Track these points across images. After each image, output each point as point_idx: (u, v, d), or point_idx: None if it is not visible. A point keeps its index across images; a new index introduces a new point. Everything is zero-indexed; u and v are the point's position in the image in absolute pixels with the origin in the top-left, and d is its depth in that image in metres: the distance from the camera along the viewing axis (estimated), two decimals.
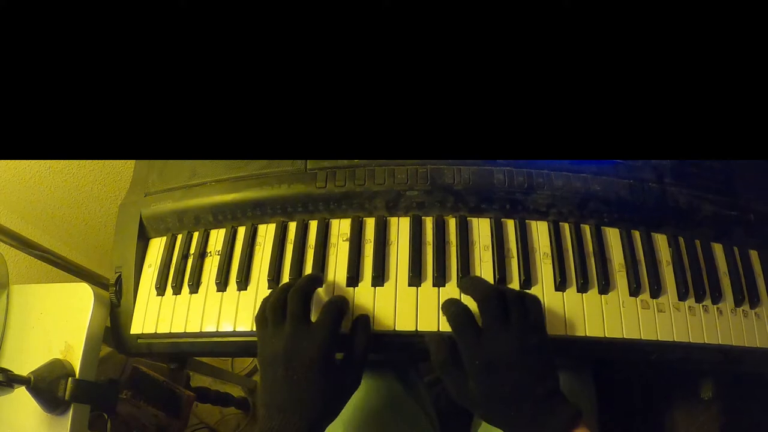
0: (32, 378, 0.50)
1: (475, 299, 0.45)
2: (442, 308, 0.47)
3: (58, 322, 0.57)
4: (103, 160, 0.86)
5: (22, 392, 0.49)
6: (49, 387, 0.51)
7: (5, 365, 0.49)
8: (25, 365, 0.51)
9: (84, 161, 0.85)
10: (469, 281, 0.49)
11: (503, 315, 0.43)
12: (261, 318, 0.46)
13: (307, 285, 0.47)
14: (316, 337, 0.43)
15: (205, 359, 0.94)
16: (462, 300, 0.47)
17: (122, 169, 0.90)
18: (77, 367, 0.54)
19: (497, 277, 0.50)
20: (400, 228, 0.53)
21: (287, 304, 0.45)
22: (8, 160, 0.77)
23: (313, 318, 0.45)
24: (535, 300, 0.45)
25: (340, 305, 0.46)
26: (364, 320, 0.48)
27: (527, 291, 0.49)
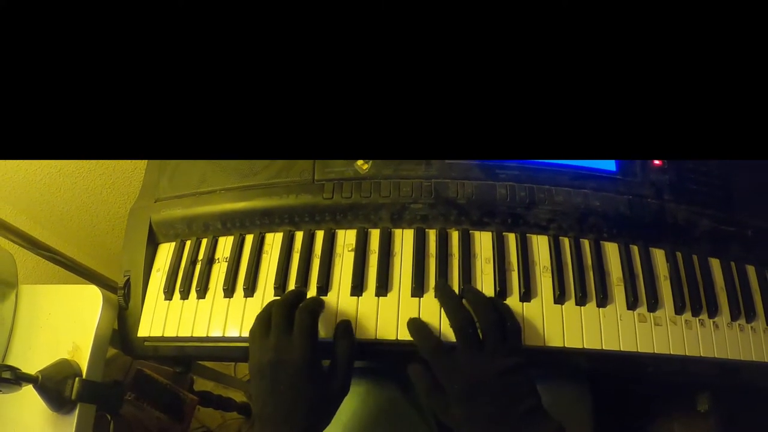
0: (40, 377, 0.50)
1: (449, 321, 0.46)
2: (408, 329, 0.48)
3: (66, 323, 0.57)
4: (113, 164, 0.87)
5: (29, 390, 0.50)
6: (56, 386, 0.51)
7: (13, 363, 0.49)
8: (32, 364, 0.51)
9: (94, 165, 0.85)
10: (441, 291, 0.49)
11: (477, 341, 0.44)
12: (252, 331, 0.47)
13: (291, 299, 0.48)
14: (296, 348, 0.43)
15: (208, 363, 0.94)
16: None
17: (131, 174, 0.90)
18: (84, 367, 0.54)
19: (498, 289, 0.51)
20: (404, 240, 0.54)
21: (272, 318, 0.46)
22: (18, 162, 0.78)
23: None
24: (514, 323, 0.46)
25: (312, 309, 0.47)
26: (345, 325, 0.48)
27: (505, 303, 0.49)
